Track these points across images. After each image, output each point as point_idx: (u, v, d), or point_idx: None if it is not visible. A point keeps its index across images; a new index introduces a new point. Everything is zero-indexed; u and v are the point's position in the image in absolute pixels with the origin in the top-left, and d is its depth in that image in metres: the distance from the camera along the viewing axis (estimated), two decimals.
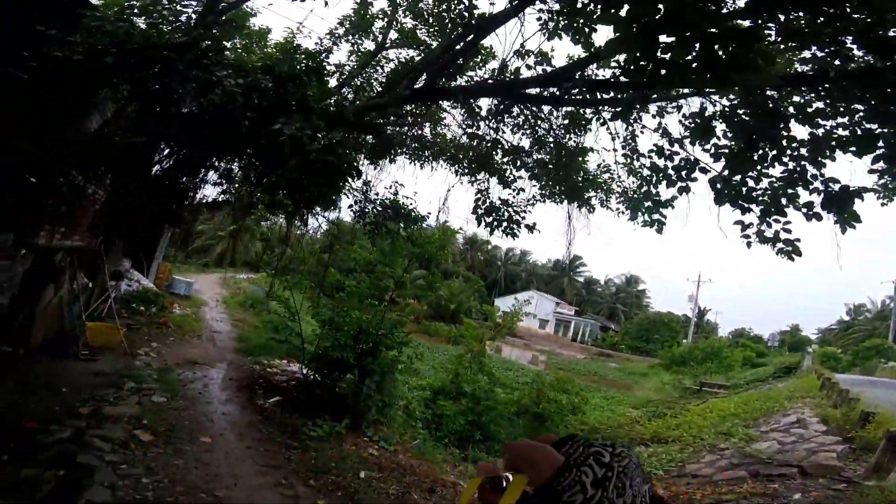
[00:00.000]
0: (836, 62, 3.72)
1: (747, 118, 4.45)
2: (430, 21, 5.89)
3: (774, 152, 4.59)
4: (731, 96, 4.71)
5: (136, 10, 4.27)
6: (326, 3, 4.57)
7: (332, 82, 7.09)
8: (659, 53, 2.84)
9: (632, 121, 6.41)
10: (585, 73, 4.94)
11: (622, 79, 4.54)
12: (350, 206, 7.96)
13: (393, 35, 6.63)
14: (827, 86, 3.77)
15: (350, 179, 5.17)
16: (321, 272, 12.26)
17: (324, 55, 6.75)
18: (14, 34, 3.66)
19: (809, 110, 4.17)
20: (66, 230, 7.63)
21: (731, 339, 36.23)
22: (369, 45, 6.89)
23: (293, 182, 4.47)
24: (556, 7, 4.75)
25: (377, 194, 7.85)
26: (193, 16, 4.53)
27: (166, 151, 7.55)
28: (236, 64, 4.39)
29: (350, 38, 6.69)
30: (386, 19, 6.45)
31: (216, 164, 8.51)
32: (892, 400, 9.22)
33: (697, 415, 11.39)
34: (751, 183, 5.07)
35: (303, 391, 8.27)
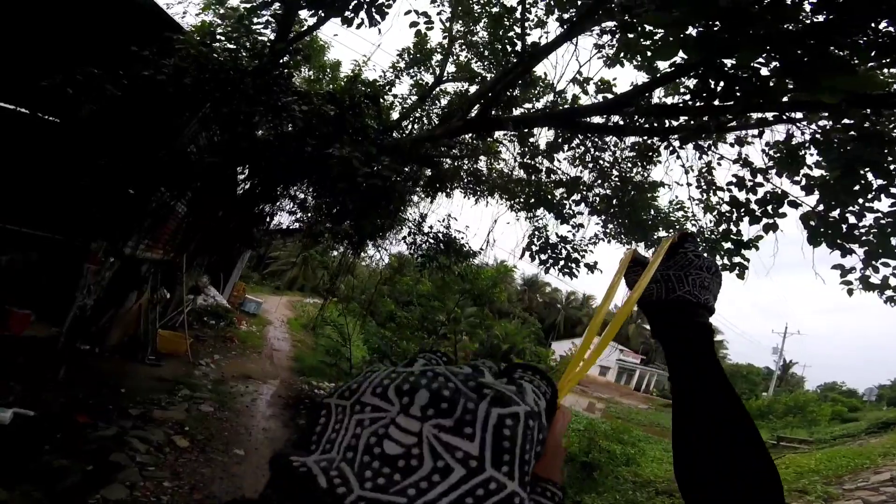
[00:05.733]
0: None
1: (843, 142, 3.80)
2: (485, 53, 5.96)
3: (880, 182, 3.85)
4: (823, 120, 4.08)
5: (219, 35, 4.77)
6: (380, 32, 4.73)
7: (395, 115, 7.39)
8: (724, 59, 2.50)
9: (707, 150, 5.85)
10: (650, 100, 4.59)
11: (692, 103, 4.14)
12: (404, 238, 8.04)
13: (451, 68, 6.82)
14: None
15: (399, 207, 5.19)
16: (376, 301, 12.45)
17: (386, 87, 7.07)
18: (111, 53, 4.23)
19: None
20: (152, 243, 8.52)
21: (820, 394, 31.52)
22: (429, 78, 7.14)
23: (342, 207, 4.55)
24: (611, 24, 4.53)
25: (431, 227, 7.86)
26: (268, 43, 4.95)
27: (246, 176, 8.15)
28: (302, 91, 4.70)
29: (411, 70, 6.99)
30: (443, 51, 6.66)
31: (291, 192, 9.13)
32: None
33: None
34: (852, 219, 4.29)
35: None
